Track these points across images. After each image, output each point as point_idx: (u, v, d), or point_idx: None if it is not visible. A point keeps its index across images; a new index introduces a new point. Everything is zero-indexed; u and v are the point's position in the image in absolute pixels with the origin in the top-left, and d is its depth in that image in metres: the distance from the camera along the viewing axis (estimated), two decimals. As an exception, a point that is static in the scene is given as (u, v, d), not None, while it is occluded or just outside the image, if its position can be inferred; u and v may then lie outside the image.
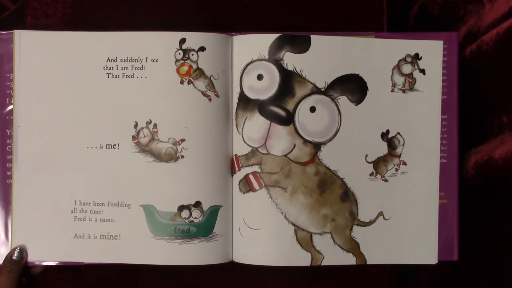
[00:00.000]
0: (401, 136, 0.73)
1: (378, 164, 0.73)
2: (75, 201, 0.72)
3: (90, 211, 0.72)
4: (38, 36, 0.72)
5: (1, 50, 0.73)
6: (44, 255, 0.72)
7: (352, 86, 0.72)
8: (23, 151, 0.72)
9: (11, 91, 0.73)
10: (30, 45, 0.72)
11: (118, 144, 0.72)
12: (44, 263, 0.73)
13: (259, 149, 0.72)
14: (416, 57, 0.73)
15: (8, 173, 0.73)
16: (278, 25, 0.78)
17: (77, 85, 0.72)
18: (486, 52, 0.74)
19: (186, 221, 0.71)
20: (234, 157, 0.73)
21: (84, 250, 0.72)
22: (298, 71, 0.71)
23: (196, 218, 0.71)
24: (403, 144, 0.73)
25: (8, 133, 0.73)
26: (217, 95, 0.71)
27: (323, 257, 0.73)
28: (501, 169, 0.71)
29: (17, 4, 0.82)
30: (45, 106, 0.72)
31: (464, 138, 0.76)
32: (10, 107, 0.73)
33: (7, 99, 0.73)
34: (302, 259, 0.72)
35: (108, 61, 0.72)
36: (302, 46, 0.71)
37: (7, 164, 0.73)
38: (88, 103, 0.72)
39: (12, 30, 0.72)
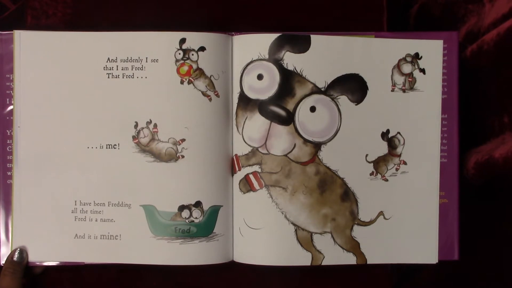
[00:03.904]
0: (401, 135, 0.73)
1: (379, 164, 0.73)
2: (75, 201, 0.72)
3: (91, 211, 0.72)
4: (38, 37, 0.72)
5: (1, 51, 0.73)
6: (45, 256, 0.73)
7: (352, 86, 0.72)
8: (23, 151, 0.72)
9: (11, 91, 0.73)
10: (30, 45, 0.72)
11: (119, 144, 0.72)
12: (45, 263, 0.73)
13: (259, 149, 0.72)
14: (416, 56, 0.73)
15: (9, 173, 0.73)
16: (278, 25, 0.77)
17: (77, 85, 0.72)
18: (487, 52, 0.74)
19: (187, 221, 0.71)
20: (234, 157, 0.73)
21: (85, 250, 0.72)
22: (298, 71, 0.71)
23: (196, 218, 0.71)
24: (403, 143, 0.73)
25: (8, 134, 0.73)
26: (217, 95, 0.71)
27: (324, 257, 0.73)
28: (501, 169, 0.71)
29: (17, 4, 0.82)
30: (45, 107, 0.72)
31: (465, 138, 0.76)
32: (10, 107, 0.73)
33: (7, 99, 0.73)
34: (303, 258, 0.72)
35: (108, 61, 0.72)
36: (302, 46, 0.71)
37: (8, 164, 0.73)
38: (88, 103, 0.72)
39: (12, 31, 0.72)
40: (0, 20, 0.84)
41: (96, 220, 0.72)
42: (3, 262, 0.72)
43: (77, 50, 0.72)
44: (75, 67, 0.72)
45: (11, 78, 0.73)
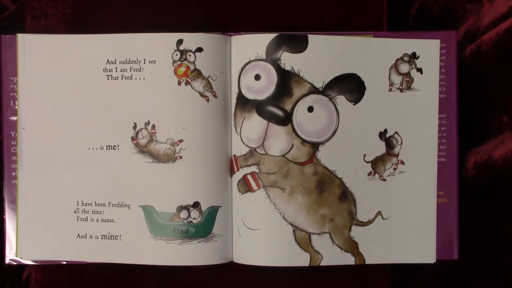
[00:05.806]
0: (399, 135, 0.73)
1: (376, 164, 0.73)
2: (77, 201, 0.73)
3: (92, 211, 0.73)
4: (41, 40, 0.73)
5: (4, 54, 0.74)
6: (49, 254, 0.73)
7: (350, 86, 0.72)
8: (27, 152, 0.73)
9: (15, 93, 0.74)
10: (33, 48, 0.73)
11: (118, 145, 0.72)
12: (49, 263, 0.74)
13: (257, 149, 0.72)
14: (414, 56, 0.72)
15: (13, 173, 0.74)
16: (278, 25, 0.77)
17: (79, 87, 0.73)
18: (486, 52, 0.74)
19: (185, 221, 0.71)
20: (233, 158, 0.73)
21: (87, 250, 0.73)
22: (296, 71, 0.71)
23: (194, 218, 0.71)
24: (401, 143, 0.73)
25: (13, 135, 0.74)
26: (215, 96, 0.71)
27: (322, 257, 0.73)
28: (501, 169, 0.71)
29: (17, 4, 0.83)
30: (48, 109, 0.73)
31: (465, 138, 0.76)
32: (14, 109, 0.74)
33: (11, 101, 0.74)
34: (301, 259, 0.72)
35: (108, 63, 0.72)
36: (299, 45, 0.71)
37: (12, 165, 0.74)
38: (89, 105, 0.73)
39: (14, 32, 0.73)
40: (0, 20, 0.84)
41: (97, 220, 0.73)
42: (7, 261, 0.73)
43: (79, 53, 0.73)
44: (77, 70, 0.73)
45: (14, 81, 0.74)
